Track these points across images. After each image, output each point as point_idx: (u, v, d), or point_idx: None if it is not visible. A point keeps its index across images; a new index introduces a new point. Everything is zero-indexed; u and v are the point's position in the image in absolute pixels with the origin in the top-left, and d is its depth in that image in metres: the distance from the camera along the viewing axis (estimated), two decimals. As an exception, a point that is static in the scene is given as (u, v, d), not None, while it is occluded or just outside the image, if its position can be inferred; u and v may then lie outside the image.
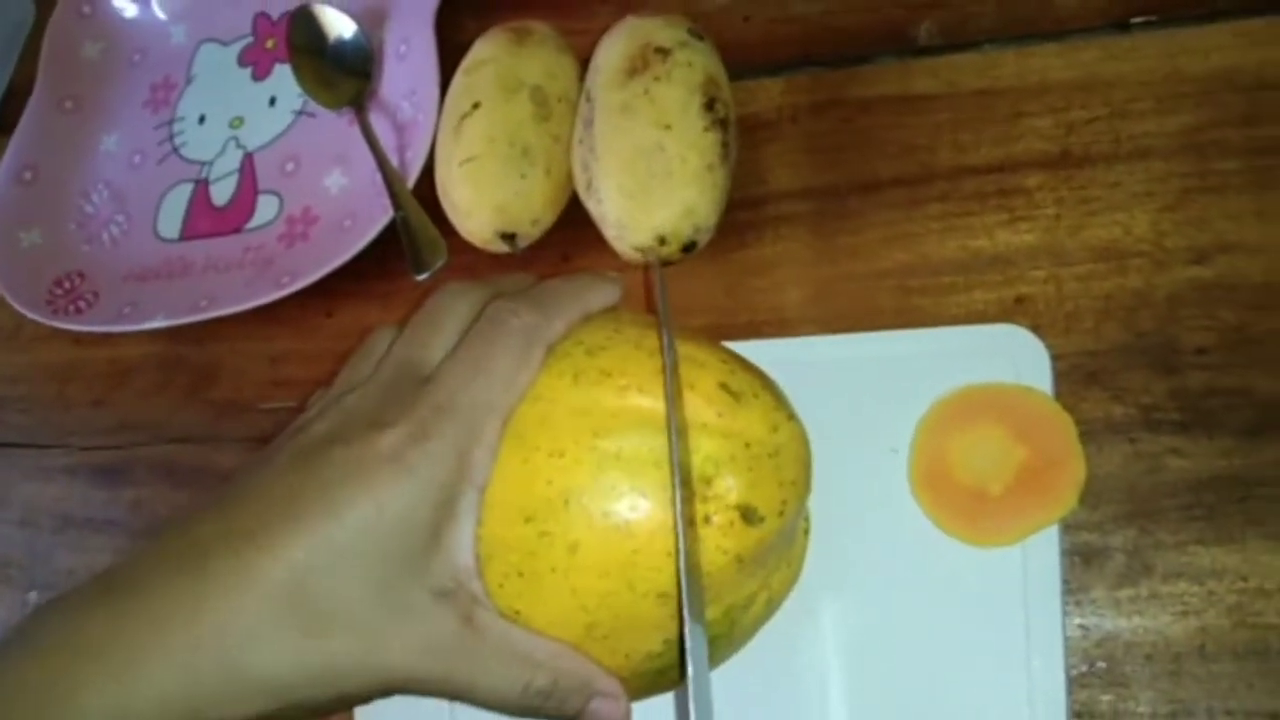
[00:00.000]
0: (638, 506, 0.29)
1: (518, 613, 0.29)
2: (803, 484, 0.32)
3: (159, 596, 0.26)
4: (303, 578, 0.26)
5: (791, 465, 0.31)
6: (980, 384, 0.40)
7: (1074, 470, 0.39)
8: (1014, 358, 0.41)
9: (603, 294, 0.34)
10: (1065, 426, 0.39)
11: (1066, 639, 0.37)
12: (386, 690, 0.28)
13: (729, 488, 0.30)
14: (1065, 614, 0.38)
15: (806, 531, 0.37)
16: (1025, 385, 0.40)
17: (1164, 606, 0.38)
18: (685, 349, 0.32)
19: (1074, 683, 0.37)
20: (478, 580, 0.29)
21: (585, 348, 0.31)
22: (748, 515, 0.30)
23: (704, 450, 0.30)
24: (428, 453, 0.28)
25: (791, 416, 0.32)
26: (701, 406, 0.30)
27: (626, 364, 0.31)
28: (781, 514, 0.31)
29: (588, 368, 0.31)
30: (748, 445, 0.30)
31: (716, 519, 0.30)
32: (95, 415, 0.57)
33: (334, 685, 0.27)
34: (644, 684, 0.32)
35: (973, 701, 0.37)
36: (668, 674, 0.31)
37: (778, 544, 0.32)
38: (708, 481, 0.30)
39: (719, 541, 0.30)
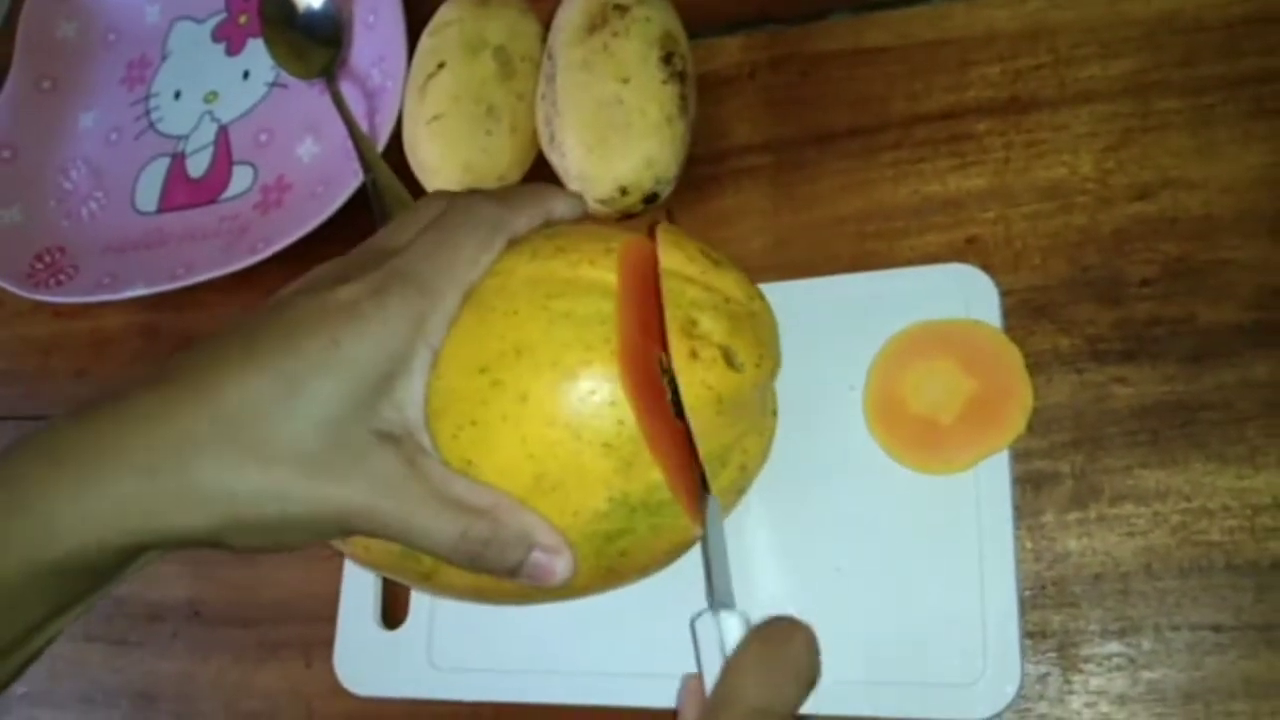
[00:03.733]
0: (585, 359, 0.31)
1: (470, 463, 0.31)
2: (775, 353, 0.35)
3: (125, 411, 0.27)
4: (255, 403, 0.28)
5: (766, 329, 0.34)
6: (931, 320, 0.42)
7: (1021, 397, 0.40)
8: (964, 295, 0.42)
9: (566, 203, 0.36)
10: (1012, 357, 0.40)
11: (1018, 562, 0.39)
12: (329, 524, 0.29)
13: (712, 329, 0.32)
14: (1016, 538, 0.39)
15: (774, 413, 0.38)
16: (974, 320, 0.41)
17: (1111, 528, 0.39)
18: (667, 235, 0.35)
19: (1025, 604, 0.39)
20: (424, 432, 0.30)
21: (545, 234, 0.34)
22: (729, 357, 0.31)
23: (689, 296, 0.32)
24: (383, 305, 0.29)
25: (763, 296, 0.35)
26: (685, 262, 0.33)
27: (581, 242, 0.33)
28: (759, 366, 0.33)
29: (544, 246, 0.33)
30: (728, 300, 0.33)
31: (702, 354, 0.31)
32: (78, 386, 0.58)
33: (278, 509, 0.28)
34: (593, 549, 0.32)
35: (929, 623, 0.38)
36: (616, 541, 0.32)
37: (753, 401, 0.34)
38: (693, 322, 0.32)
39: (703, 376, 0.32)
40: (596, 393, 0.30)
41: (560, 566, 0.31)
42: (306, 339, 0.28)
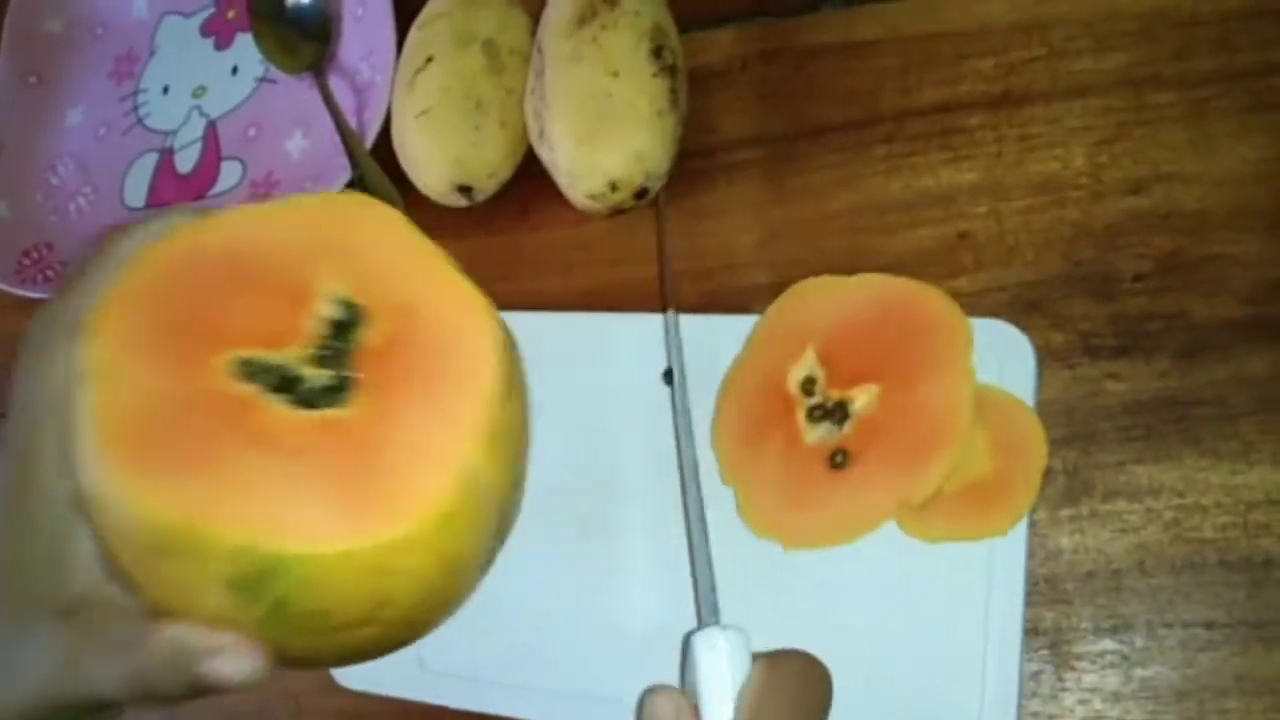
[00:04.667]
0: None
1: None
2: None
3: None
4: None
5: None
6: (988, 386, 0.39)
7: (1021, 502, 0.38)
8: (999, 355, 0.40)
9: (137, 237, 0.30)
10: (1038, 458, 0.38)
11: (1024, 644, 0.38)
12: (48, 707, 0.28)
13: None
14: (1026, 616, 0.38)
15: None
16: (1022, 401, 0.39)
17: (1104, 524, 0.39)
18: None
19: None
20: (106, 584, 0.28)
21: None
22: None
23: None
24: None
25: None
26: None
27: None
28: None
29: None
30: None
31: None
32: (66, 383, 0.57)
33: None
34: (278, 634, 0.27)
35: (928, 680, 0.38)
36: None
37: None
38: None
39: None
40: None
41: (234, 666, 0.26)
42: None
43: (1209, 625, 0.37)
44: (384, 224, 0.29)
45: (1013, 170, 0.43)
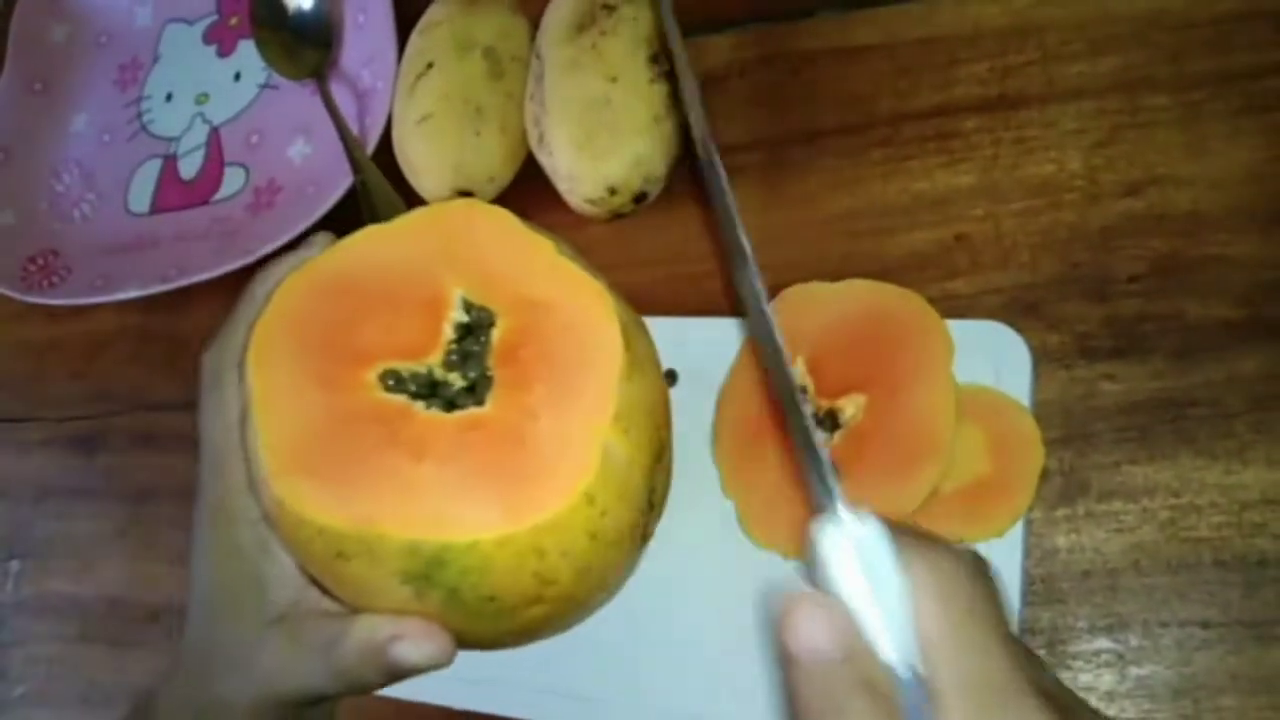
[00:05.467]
0: None
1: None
2: None
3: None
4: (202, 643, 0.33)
5: None
6: (978, 385, 0.40)
7: (1019, 502, 0.38)
8: (994, 357, 0.40)
9: (281, 270, 0.33)
10: (1035, 460, 0.39)
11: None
12: (271, 707, 0.32)
13: None
14: (1023, 621, 0.38)
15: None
16: (1020, 403, 0.39)
17: (1100, 524, 0.39)
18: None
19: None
20: (307, 590, 0.32)
21: None
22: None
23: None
24: (198, 519, 0.33)
25: None
26: None
27: None
28: None
29: None
30: None
31: None
32: (72, 388, 0.58)
33: (232, 707, 0.32)
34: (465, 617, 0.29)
35: None
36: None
37: None
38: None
39: None
40: None
41: (419, 649, 0.29)
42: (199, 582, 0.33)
43: (1204, 624, 0.37)
44: (496, 224, 0.32)
45: (1009, 173, 0.44)
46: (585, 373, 0.29)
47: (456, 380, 0.30)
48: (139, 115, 0.62)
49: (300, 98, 0.57)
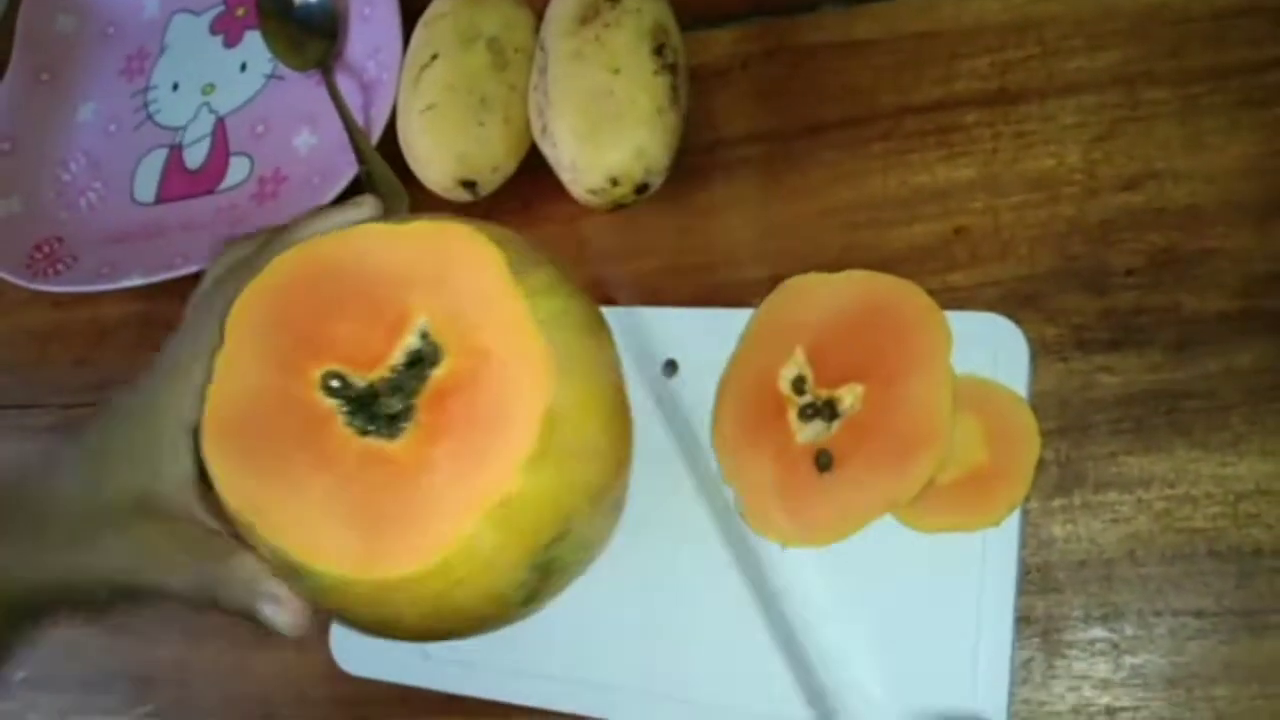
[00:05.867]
0: None
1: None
2: None
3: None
4: (47, 494, 0.34)
5: None
6: (975, 376, 0.40)
7: (1016, 491, 0.38)
8: (992, 347, 0.40)
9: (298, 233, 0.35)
10: (1031, 450, 0.39)
11: (1016, 635, 0.38)
12: (110, 588, 0.33)
13: None
14: (1017, 609, 0.38)
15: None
16: (1015, 393, 0.40)
17: (1096, 515, 0.39)
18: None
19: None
20: (193, 500, 0.33)
21: None
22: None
23: None
24: (134, 391, 0.34)
25: None
26: None
27: None
28: None
29: None
30: None
31: None
32: (77, 374, 0.58)
33: (65, 578, 0.32)
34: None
35: (921, 673, 0.38)
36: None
37: None
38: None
39: None
40: None
41: (282, 618, 0.31)
42: (87, 434, 0.34)
43: (1199, 614, 0.37)
44: (482, 263, 0.31)
45: (1008, 167, 0.44)
46: (493, 448, 0.29)
47: (390, 405, 0.31)
48: (145, 105, 0.62)
49: (306, 88, 0.57)
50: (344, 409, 0.31)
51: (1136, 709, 0.37)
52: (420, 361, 0.31)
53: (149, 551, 0.32)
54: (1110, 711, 0.37)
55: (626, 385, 0.35)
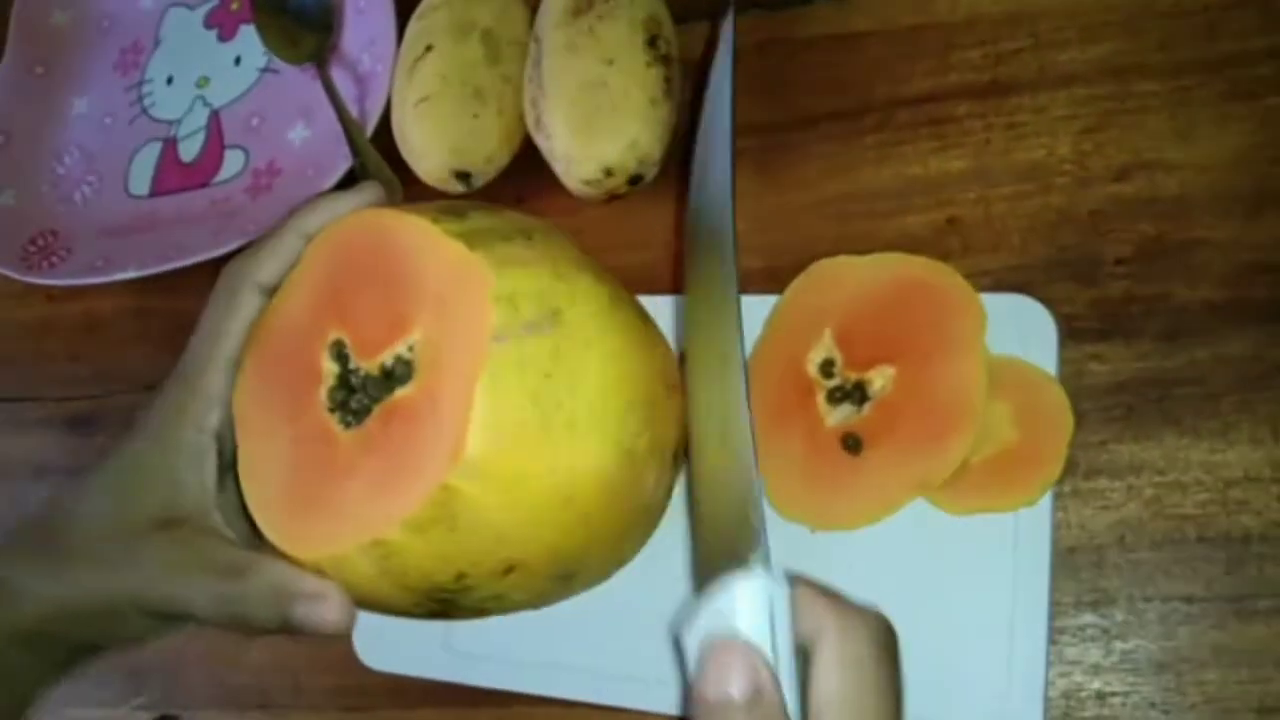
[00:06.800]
0: None
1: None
2: None
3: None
4: (57, 514, 0.33)
5: None
6: (1006, 356, 0.40)
7: (1051, 469, 0.38)
8: (1020, 329, 0.40)
9: (320, 214, 0.34)
10: (1064, 426, 0.39)
11: (1051, 606, 0.38)
12: (125, 608, 0.31)
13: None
14: (1052, 587, 0.38)
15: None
16: (1045, 371, 0.40)
17: (1086, 502, 0.39)
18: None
19: (1002, 576, 0.39)
20: (212, 510, 0.32)
21: None
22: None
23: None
24: (148, 408, 0.33)
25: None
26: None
27: None
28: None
29: None
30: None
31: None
32: (70, 368, 0.58)
33: (74, 599, 0.32)
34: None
35: (953, 660, 0.38)
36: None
37: None
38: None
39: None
40: None
41: (328, 613, 0.30)
42: (113, 456, 0.33)
43: (1188, 599, 0.38)
44: (475, 312, 0.30)
45: (1000, 158, 0.44)
46: (392, 491, 0.29)
47: (355, 397, 0.31)
48: (140, 99, 0.62)
49: (301, 81, 0.57)
50: (332, 378, 0.32)
51: (1127, 694, 0.37)
52: (392, 375, 0.31)
53: (171, 569, 0.31)
54: (1101, 696, 0.37)
55: (641, 473, 0.33)
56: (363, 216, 0.33)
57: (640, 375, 0.32)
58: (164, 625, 0.32)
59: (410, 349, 0.31)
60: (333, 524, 0.29)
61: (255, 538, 0.32)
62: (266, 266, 0.34)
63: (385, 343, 0.31)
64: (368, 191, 0.34)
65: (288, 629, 0.30)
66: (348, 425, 0.31)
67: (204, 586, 0.30)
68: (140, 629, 0.32)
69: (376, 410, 0.31)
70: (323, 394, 0.32)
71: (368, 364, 0.31)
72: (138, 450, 0.33)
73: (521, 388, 0.29)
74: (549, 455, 0.29)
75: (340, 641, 0.45)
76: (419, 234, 0.31)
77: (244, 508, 0.32)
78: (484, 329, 0.29)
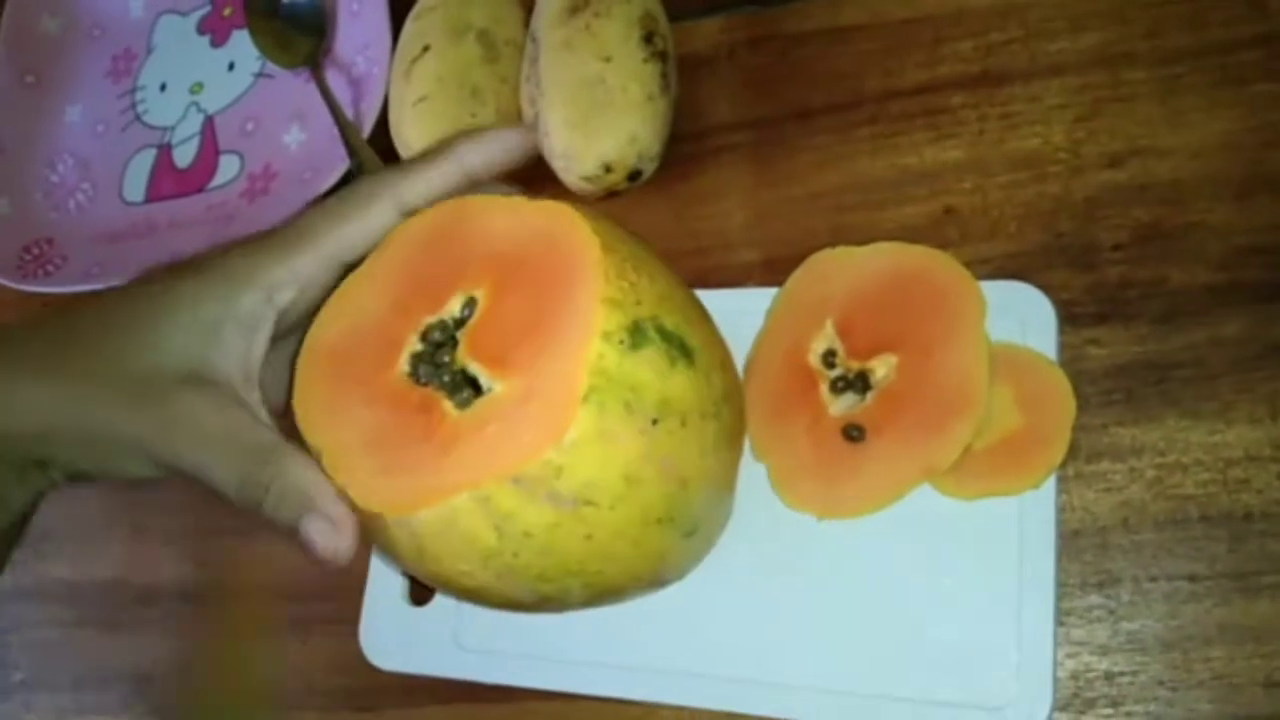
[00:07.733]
0: None
1: None
2: None
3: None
4: (87, 331, 0.30)
5: None
6: (1007, 343, 0.40)
7: (1054, 452, 0.39)
8: (1020, 315, 0.41)
9: (485, 151, 0.32)
10: (1067, 410, 0.39)
11: (1058, 585, 0.38)
12: (131, 448, 0.29)
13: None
14: (1058, 567, 0.38)
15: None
16: (1046, 356, 0.40)
17: (1089, 484, 0.40)
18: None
19: (1008, 560, 0.39)
20: (252, 386, 0.30)
21: None
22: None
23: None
24: (226, 259, 0.31)
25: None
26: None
27: None
28: None
29: None
30: None
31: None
32: (67, 376, 0.58)
33: (80, 423, 0.29)
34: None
35: (960, 641, 0.39)
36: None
37: None
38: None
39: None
40: None
41: (336, 543, 0.28)
42: (151, 284, 0.31)
43: (1192, 578, 0.38)
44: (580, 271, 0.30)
45: (995, 147, 0.45)
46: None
47: (441, 358, 0.31)
48: (133, 106, 0.62)
49: (295, 85, 0.57)
50: (416, 352, 0.31)
51: (1135, 673, 0.38)
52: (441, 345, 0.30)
53: (192, 431, 0.28)
54: (1109, 676, 0.38)
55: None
56: (429, 215, 0.32)
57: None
58: (164, 473, 0.30)
59: (465, 307, 0.31)
60: (436, 475, 0.28)
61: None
62: (415, 187, 0.32)
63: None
64: (526, 132, 0.33)
65: (288, 534, 0.28)
66: (463, 403, 0.29)
67: (227, 461, 0.28)
68: (138, 469, 0.30)
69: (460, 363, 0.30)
70: (404, 371, 0.31)
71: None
72: (186, 292, 0.30)
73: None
74: (672, 449, 0.30)
75: (349, 641, 0.45)
76: (483, 214, 0.32)
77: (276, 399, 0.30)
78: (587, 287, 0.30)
